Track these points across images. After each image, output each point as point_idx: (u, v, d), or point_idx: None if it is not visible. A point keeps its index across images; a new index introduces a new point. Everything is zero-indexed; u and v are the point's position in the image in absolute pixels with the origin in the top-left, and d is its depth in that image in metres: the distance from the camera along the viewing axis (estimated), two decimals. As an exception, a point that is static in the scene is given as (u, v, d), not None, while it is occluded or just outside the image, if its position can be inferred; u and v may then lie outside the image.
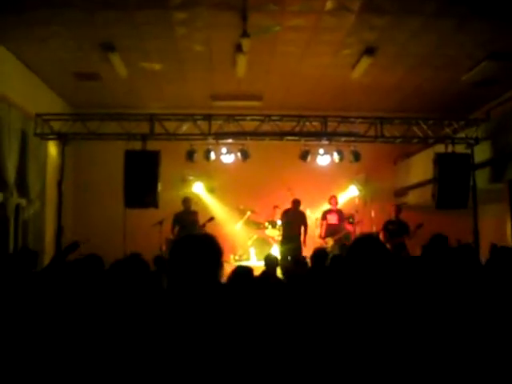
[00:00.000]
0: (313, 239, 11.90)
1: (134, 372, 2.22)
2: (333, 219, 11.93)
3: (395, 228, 10.89)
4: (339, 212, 12.14)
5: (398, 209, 11.22)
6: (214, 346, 2.17)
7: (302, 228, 11.42)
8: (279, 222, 12.20)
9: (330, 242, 11.65)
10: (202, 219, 11.38)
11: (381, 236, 10.67)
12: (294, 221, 11.43)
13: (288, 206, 11.73)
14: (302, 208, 11.71)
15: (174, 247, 2.42)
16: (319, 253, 7.31)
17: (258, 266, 9.32)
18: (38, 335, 3.01)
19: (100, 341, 2.51)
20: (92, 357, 2.45)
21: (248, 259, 12.43)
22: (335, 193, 12.56)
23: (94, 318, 2.73)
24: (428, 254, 5.68)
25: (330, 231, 11.83)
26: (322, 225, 11.99)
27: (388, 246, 9.99)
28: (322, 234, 11.88)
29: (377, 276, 2.54)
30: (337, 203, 12.15)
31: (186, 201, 11.61)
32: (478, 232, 10.42)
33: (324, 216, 12.00)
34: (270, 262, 7.69)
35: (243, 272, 4.76)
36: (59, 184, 10.46)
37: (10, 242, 9.84)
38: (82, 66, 10.50)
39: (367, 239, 2.84)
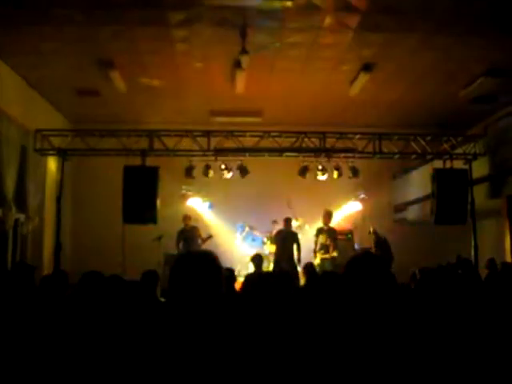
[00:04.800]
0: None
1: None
2: (323, 238, 11.90)
3: None
4: (331, 231, 12.04)
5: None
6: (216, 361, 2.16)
7: (295, 246, 11.40)
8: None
9: (318, 257, 11.64)
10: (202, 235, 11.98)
11: None
12: (286, 241, 11.39)
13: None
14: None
15: (174, 265, 2.42)
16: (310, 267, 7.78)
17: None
18: (35, 355, 3.00)
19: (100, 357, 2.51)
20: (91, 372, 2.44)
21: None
22: (334, 208, 12.58)
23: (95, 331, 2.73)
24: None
25: (323, 248, 11.81)
26: (315, 242, 11.96)
27: None
28: (314, 250, 11.91)
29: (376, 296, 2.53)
30: (329, 220, 12.07)
31: (186, 218, 12.03)
32: (477, 247, 10.41)
33: (317, 234, 12.00)
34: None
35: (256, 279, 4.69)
36: (58, 199, 10.45)
37: (9, 258, 9.82)
38: (81, 82, 10.53)
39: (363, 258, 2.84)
